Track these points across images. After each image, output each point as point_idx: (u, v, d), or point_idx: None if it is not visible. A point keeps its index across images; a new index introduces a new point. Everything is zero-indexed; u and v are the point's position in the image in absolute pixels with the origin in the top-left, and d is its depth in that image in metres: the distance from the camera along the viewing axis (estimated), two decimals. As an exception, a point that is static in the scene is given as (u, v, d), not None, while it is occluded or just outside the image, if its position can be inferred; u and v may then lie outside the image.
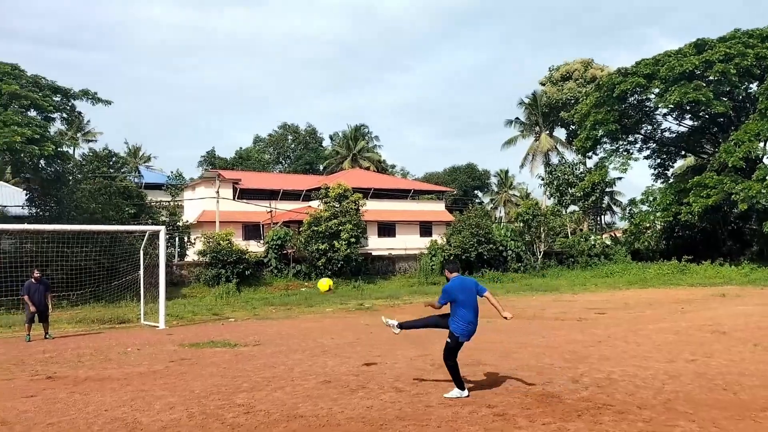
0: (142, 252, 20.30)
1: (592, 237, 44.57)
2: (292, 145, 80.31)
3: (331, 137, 78.78)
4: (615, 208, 60.09)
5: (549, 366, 9.89)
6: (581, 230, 52.24)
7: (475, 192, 79.47)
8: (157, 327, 17.74)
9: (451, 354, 7.84)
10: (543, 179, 57.81)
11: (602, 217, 59.93)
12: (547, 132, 64.75)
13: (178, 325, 18.68)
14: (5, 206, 30.72)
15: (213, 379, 9.43)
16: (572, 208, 57.02)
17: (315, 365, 10.42)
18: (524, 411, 7.07)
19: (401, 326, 8.46)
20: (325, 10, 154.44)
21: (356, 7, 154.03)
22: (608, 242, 45.63)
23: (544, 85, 63.30)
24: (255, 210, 42.19)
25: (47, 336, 15.77)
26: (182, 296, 27.96)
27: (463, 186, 74.12)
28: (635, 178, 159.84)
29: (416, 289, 31.25)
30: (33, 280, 15.88)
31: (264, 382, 9.07)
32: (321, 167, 74.08)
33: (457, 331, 7.80)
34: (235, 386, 8.85)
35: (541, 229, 39.87)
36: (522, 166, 66.71)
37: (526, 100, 64.56)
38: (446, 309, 7.97)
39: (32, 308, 15.44)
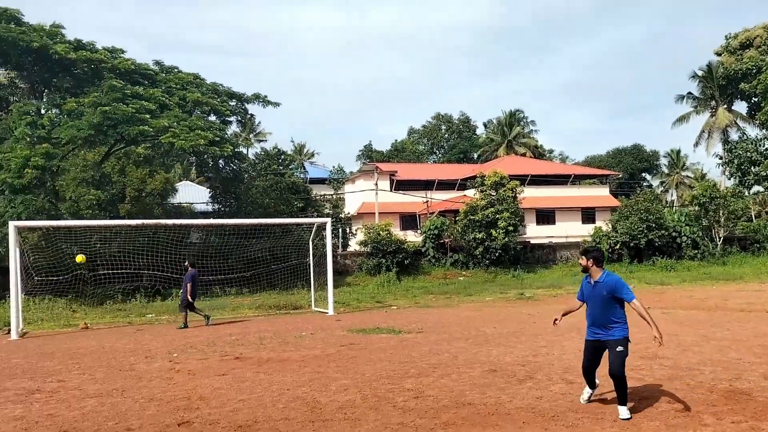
0: (310, 243, 21.58)
1: (782, 220, 39.88)
2: (446, 135, 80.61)
3: (485, 125, 78.01)
4: (810, 188, 53.24)
5: (736, 361, 9.08)
6: (767, 213, 47.03)
7: (643, 175, 74.51)
8: (327, 313, 18.78)
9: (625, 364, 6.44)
10: (721, 158, 52.68)
11: (794, 197, 53.35)
12: (725, 106, 58.83)
13: (345, 311, 19.63)
14: (192, 203, 34.17)
15: (381, 364, 9.81)
16: (756, 188, 51.35)
17: (479, 354, 10.45)
18: (709, 408, 6.57)
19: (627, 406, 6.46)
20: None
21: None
22: (802, 226, 40.57)
23: (720, 55, 57.50)
24: (411, 200, 43.01)
25: (183, 326, 16.22)
26: (347, 284, 29.29)
27: (628, 169, 69.82)
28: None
29: (580, 278, 29.94)
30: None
31: (430, 369, 9.27)
32: (475, 156, 73.63)
33: (628, 332, 6.53)
34: (403, 371, 9.14)
35: (721, 212, 36.42)
36: (696, 144, 61.28)
37: (700, 73, 59.10)
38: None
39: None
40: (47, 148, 23.41)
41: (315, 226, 22.05)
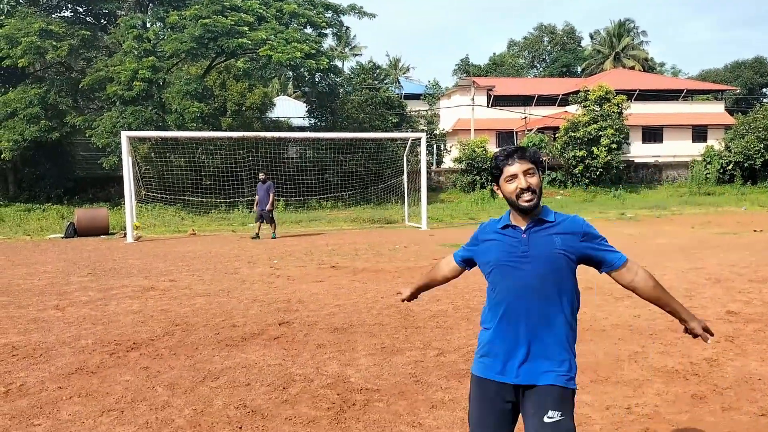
0: (404, 158, 21.58)
1: None
2: (548, 48, 76.57)
3: (591, 36, 73.24)
4: None
5: None
6: None
7: (764, 90, 68.18)
8: (420, 228, 18.96)
9: None
10: None
11: None
12: None
13: (438, 227, 19.72)
14: (289, 117, 34.83)
15: (474, 278, 9.75)
16: None
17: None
18: (828, 337, 6.14)
19: None
20: None
21: None
22: None
23: None
24: (509, 117, 41.72)
25: (273, 236, 16.68)
26: (440, 201, 29.30)
27: (748, 84, 64.01)
28: None
29: (687, 200, 28.49)
30: (260, 182, 16.79)
31: (524, 284, 9.19)
32: (579, 69, 69.76)
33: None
34: (495, 285, 9.12)
35: None
36: (832, 56, 55.02)
37: None
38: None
39: (255, 206, 16.67)
40: (153, 61, 24.32)
41: (409, 141, 21.95)
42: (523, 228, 2.69)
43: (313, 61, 25.08)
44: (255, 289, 9.25)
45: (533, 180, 2.67)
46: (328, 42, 37.99)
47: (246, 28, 24.52)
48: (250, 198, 24.99)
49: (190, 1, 26.32)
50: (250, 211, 24.70)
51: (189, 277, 10.39)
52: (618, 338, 6.21)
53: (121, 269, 11.48)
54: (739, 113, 44.30)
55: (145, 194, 21.85)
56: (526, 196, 2.65)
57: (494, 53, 74.69)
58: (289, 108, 40.49)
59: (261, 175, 16.97)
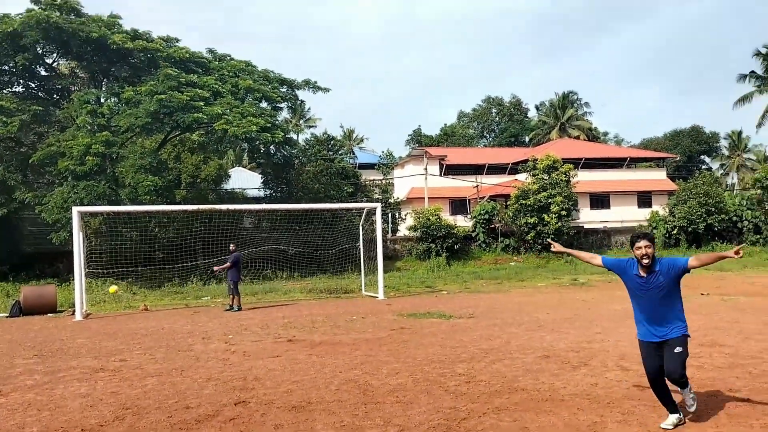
0: (360, 227, 21.73)
1: None
2: (497, 118, 79.47)
3: (537, 107, 76.48)
4: None
5: (804, 351, 8.71)
6: (839, 196, 44.72)
7: (702, 157, 71.87)
8: (377, 297, 18.91)
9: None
10: (787, 139, 50.40)
11: None
12: (792, 84, 56.05)
13: (395, 296, 19.71)
14: (244, 189, 34.85)
15: (433, 348, 9.82)
16: (826, 171, 48.96)
17: (532, 339, 10.34)
18: (775, 399, 6.33)
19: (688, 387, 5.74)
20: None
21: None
22: None
23: (787, 30, 54.77)
24: (461, 185, 42.68)
25: (229, 308, 16.65)
26: (396, 269, 29.39)
27: (687, 151, 67.42)
28: None
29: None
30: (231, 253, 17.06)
31: (482, 354, 9.23)
32: (527, 139, 72.38)
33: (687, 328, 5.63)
34: (454, 356, 9.13)
35: (786, 196, 34.89)
36: (759, 125, 58.44)
37: (764, 51, 56.38)
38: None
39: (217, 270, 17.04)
40: (107, 136, 24.21)
41: (365, 211, 22.17)
42: (645, 276, 5.50)
43: (269, 135, 25.40)
44: (209, 366, 9.01)
45: (650, 251, 5.44)
46: (283, 115, 38.63)
47: (202, 103, 24.81)
48: (205, 270, 24.64)
49: (145, 77, 26.55)
50: (204, 284, 24.28)
51: (140, 356, 10.06)
52: (577, 408, 6.26)
53: (68, 349, 11.04)
54: (681, 179, 46.42)
55: (95, 269, 21.28)
56: (645, 260, 5.45)
57: (445, 124, 76.93)
58: (245, 179, 40.57)
59: (231, 247, 17.27)
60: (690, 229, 33.21)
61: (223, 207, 21.48)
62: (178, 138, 28.32)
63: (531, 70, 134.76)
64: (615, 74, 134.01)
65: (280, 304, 17.90)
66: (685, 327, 5.54)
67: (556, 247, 6.53)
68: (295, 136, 40.55)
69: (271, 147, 28.94)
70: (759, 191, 35.69)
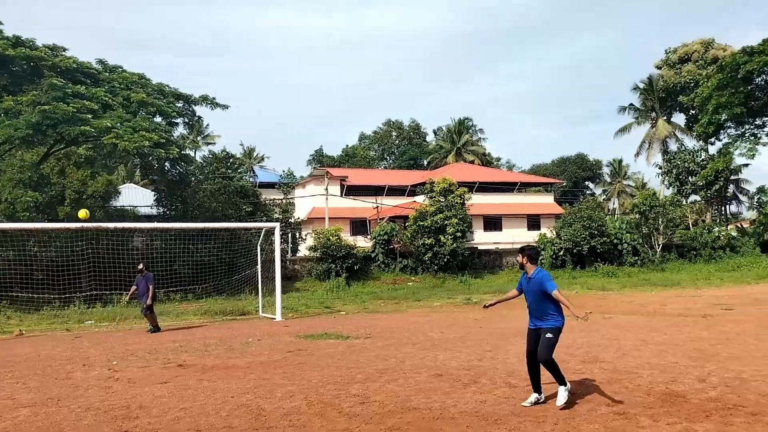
0: (258, 248, 21.32)
1: (717, 228, 41.67)
2: (396, 141, 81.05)
3: (434, 132, 78.81)
4: (741, 197, 55.72)
5: (672, 364, 9.40)
6: (704, 221, 49.02)
7: (586, 183, 76.61)
8: (274, 319, 18.56)
9: (553, 350, 7.03)
10: (661, 168, 54.75)
11: (727, 206, 55.80)
12: (665, 118, 61.15)
13: (293, 317, 19.45)
14: (136, 206, 33.29)
15: (329, 370, 9.75)
16: (693, 197, 53.53)
17: (426, 359, 10.51)
18: (647, 410, 6.78)
19: (563, 381, 7.12)
20: (432, 4, 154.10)
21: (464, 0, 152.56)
22: (734, 234, 42.50)
23: (660, 68, 59.82)
24: (362, 206, 43.03)
25: (151, 330, 16.14)
26: (295, 290, 29.04)
27: (572, 177, 71.67)
28: (764, 164, 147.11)
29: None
30: (139, 273, 16.33)
31: (377, 374, 9.27)
32: (425, 162, 74.25)
33: (562, 324, 7.07)
34: (349, 377, 9.11)
35: (660, 220, 37.81)
36: (637, 154, 63.41)
37: (641, 85, 61.26)
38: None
39: (126, 298, 16.14)
40: (-19, 148, 22.45)
41: (263, 230, 21.80)
42: (529, 278, 7.15)
43: (163, 150, 24.50)
44: (89, 395, 8.45)
45: (519, 260, 7.32)
46: (179, 131, 37.45)
47: (90, 116, 23.56)
48: (89, 293, 23.15)
49: (27, 86, 24.91)
50: (88, 307, 22.80)
51: (12, 385, 9.28)
52: (466, 426, 6.40)
53: (-74, 381, 10.00)
54: (567, 204, 49.20)
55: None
56: (519, 267, 7.38)
57: (347, 145, 77.56)
58: (136, 196, 38.75)
59: (140, 266, 16.34)
60: (575, 250, 35.13)
61: (111, 225, 20.33)
62: (62, 152, 26.69)
63: (430, 95, 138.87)
64: (508, 102, 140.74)
65: (171, 327, 17.14)
66: (557, 320, 7.02)
67: (490, 303, 7.99)
68: (192, 153, 39.34)
69: (166, 163, 27.91)
70: (637, 216, 38.43)
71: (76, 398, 8.27)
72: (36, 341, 15.23)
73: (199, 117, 33.57)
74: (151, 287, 15.94)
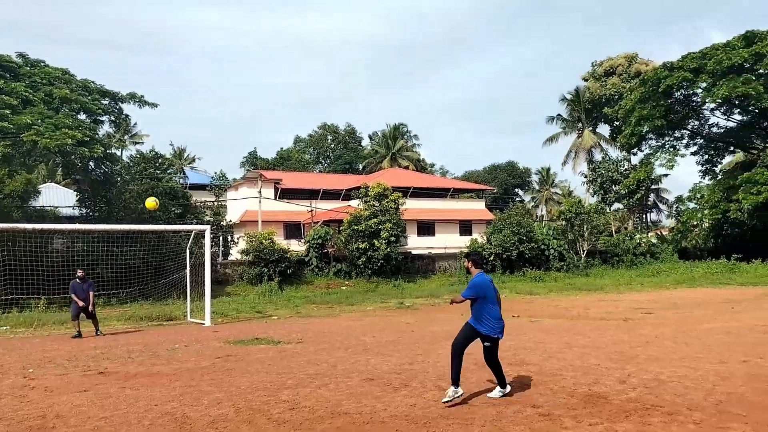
0: (188, 251, 20.75)
1: (638, 235, 43.65)
2: (332, 145, 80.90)
3: (370, 137, 79.11)
4: (661, 206, 58.69)
5: (595, 366, 9.74)
6: (626, 228, 51.22)
7: (516, 190, 78.72)
8: (203, 324, 18.10)
9: (494, 355, 7.66)
10: (586, 177, 56.87)
11: (648, 215, 58.61)
12: (590, 128, 63.63)
13: (223, 322, 19.02)
14: (57, 207, 31.80)
15: (258, 376, 9.58)
16: (616, 205, 55.96)
17: (358, 363, 10.49)
18: (570, 411, 6.99)
19: (456, 383, 7.48)
20: (370, 11, 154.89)
21: (401, 8, 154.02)
22: (654, 241, 44.67)
23: (586, 80, 62.23)
24: (296, 209, 42.67)
25: (98, 333, 16.17)
26: (226, 294, 28.45)
27: (503, 184, 73.49)
28: (682, 175, 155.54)
29: (456, 288, 31.09)
30: (78, 279, 16.04)
31: (308, 379, 9.18)
32: (360, 167, 74.42)
33: (491, 332, 7.50)
34: (280, 383, 8.98)
35: (585, 227, 39.26)
36: (564, 163, 65.75)
37: (569, 97, 63.58)
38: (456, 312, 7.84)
39: (80, 303, 15.74)
40: None
41: (193, 233, 21.24)
42: None
43: (86, 149, 23.52)
44: (2, 405, 7.98)
45: (467, 265, 7.87)
46: (105, 129, 36.06)
47: (8, 111, 22.38)
48: (4, 297, 21.88)
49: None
50: (3, 312, 21.58)
51: None
52: (396, 429, 6.42)
53: None
54: (497, 210, 50.36)
55: None
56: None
57: (281, 148, 76.77)
58: (58, 196, 37.09)
59: (79, 273, 16.10)
60: (504, 255, 35.97)
61: (29, 226, 19.32)
62: (-23, 148, 25.19)
63: (366, 99, 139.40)
64: (443, 110, 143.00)
65: (92, 334, 16.42)
66: (493, 332, 7.52)
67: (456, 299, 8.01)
68: (118, 152, 37.91)
69: (90, 162, 26.81)
70: (563, 222, 39.74)
71: (-15, 409, 7.79)
72: (-57, 349, 14.26)
73: (127, 115, 32.46)
74: (92, 294, 16.03)
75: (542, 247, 37.23)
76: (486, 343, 7.56)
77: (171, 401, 7.98)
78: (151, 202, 14.73)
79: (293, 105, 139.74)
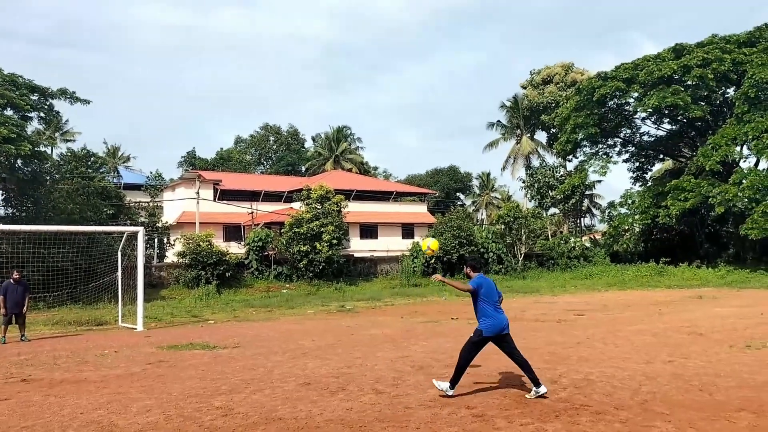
0: (120, 253, 20.06)
1: (572, 239, 44.97)
2: (274, 147, 79.98)
3: (313, 139, 78.68)
4: (594, 211, 60.73)
5: (528, 367, 9.92)
6: (561, 233, 52.66)
7: (457, 194, 79.74)
8: (135, 329, 17.53)
9: (471, 350, 7.80)
10: (524, 182, 58.19)
11: (582, 219, 60.52)
12: (528, 135, 65.16)
13: (156, 327, 18.48)
14: (-20, 206, 30.20)
15: (191, 382, 9.34)
16: (552, 210, 57.52)
17: (295, 367, 10.37)
18: (503, 412, 7.09)
19: (453, 384, 7.89)
20: (315, 12, 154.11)
21: (346, 9, 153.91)
22: (588, 244, 46.09)
23: (525, 88, 63.72)
24: (236, 211, 41.93)
25: (23, 338, 15.47)
26: (161, 298, 27.68)
27: (445, 188, 74.31)
28: (614, 181, 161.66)
29: (398, 291, 31.26)
30: (12, 280, 15.56)
31: (243, 385, 9.00)
32: (303, 169, 73.85)
33: (484, 327, 7.72)
34: (213, 389, 8.77)
35: (522, 231, 40.13)
36: (503, 168, 67.09)
37: (508, 104, 64.94)
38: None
39: (3, 311, 15.16)
40: None
41: (126, 235, 20.56)
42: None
43: (13, 146, 22.45)
44: None
45: (466, 271, 8.18)
46: (34, 125, 34.56)
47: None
48: None
49: None
50: None
51: None
52: (330, 434, 6.36)
53: None
54: (439, 213, 50.89)
55: None
56: None
57: (221, 148, 75.28)
58: (-19, 195, 35.21)
59: (15, 275, 15.60)
60: (445, 258, 36.36)
61: (-52, 226, 18.30)
62: None
63: (309, 101, 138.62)
64: (386, 113, 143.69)
65: (15, 340, 15.66)
66: (480, 324, 7.79)
67: (438, 277, 8.19)
68: (48, 150, 36.33)
69: (17, 161, 25.59)
70: (502, 226, 40.52)
71: None
72: None
73: (57, 112, 31.16)
74: (28, 296, 15.86)
75: (482, 250, 37.86)
76: (471, 335, 7.83)
77: (98, 409, 7.68)
78: (435, 243, 11.70)
79: (234, 105, 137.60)
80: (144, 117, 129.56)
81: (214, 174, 51.53)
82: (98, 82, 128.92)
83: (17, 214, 27.60)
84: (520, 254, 39.98)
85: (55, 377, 10.04)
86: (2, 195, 28.78)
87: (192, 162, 68.03)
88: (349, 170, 65.89)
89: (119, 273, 19.93)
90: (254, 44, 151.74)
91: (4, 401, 8.26)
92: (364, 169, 71.04)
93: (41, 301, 23.05)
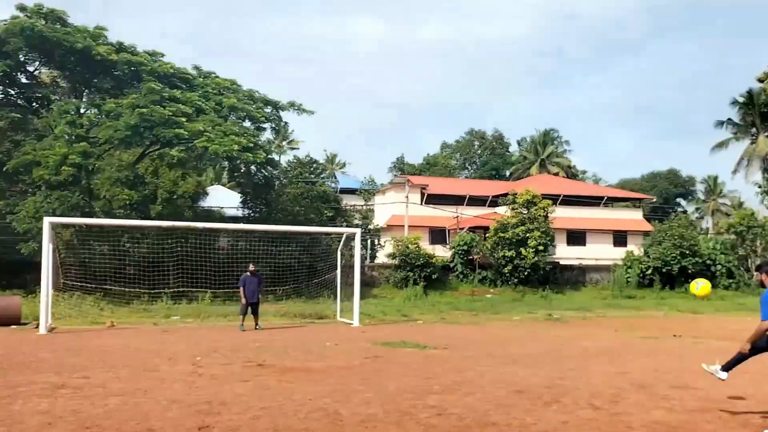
0: (339, 253, 21.54)
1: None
2: (479, 151, 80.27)
3: (518, 142, 77.50)
4: None
5: (775, 397, 8.70)
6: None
7: (678, 200, 73.12)
8: (352, 324, 18.68)
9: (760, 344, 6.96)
10: (761, 186, 51.48)
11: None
12: (766, 134, 57.50)
13: (370, 323, 19.51)
14: (222, 207, 34.51)
15: (406, 379, 9.66)
16: (797, 219, 50.03)
17: (505, 374, 10.23)
18: None
19: (726, 368, 7.37)
20: (523, 13, 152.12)
21: (556, 9, 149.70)
22: None
23: (762, 81, 56.29)
24: (441, 215, 42.77)
25: (257, 327, 17.26)
26: (373, 296, 29.18)
27: (663, 193, 68.55)
28: None
29: (609, 302, 29.48)
30: (248, 273, 17.35)
31: (455, 386, 9.09)
32: (507, 173, 73.12)
33: None
34: (427, 387, 8.98)
35: (758, 242, 35.56)
36: (735, 171, 59.79)
37: (741, 99, 57.89)
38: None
39: (243, 300, 16.99)
40: (84, 147, 23.90)
41: (344, 236, 22.04)
42: None
43: (250, 154, 25.27)
44: (175, 389, 8.73)
45: (762, 278, 6.96)
46: (266, 135, 38.59)
47: (184, 119, 24.63)
48: (176, 289, 24.08)
49: (127, 90, 26.36)
50: (174, 303, 23.74)
51: (104, 374, 9.74)
52: (548, 446, 6.14)
53: (30, 363, 10.67)
54: (656, 221, 47.07)
55: (63, 282, 20.77)
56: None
57: (428, 153, 77.49)
58: (223, 197, 40.18)
59: (251, 267, 17.54)
60: (664, 270, 33.53)
61: (200, 225, 21.14)
62: (157, 153, 28.05)
63: (515, 104, 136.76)
64: (596, 114, 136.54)
65: (250, 329, 17.56)
66: None
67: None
68: (277, 157, 40.39)
69: (253, 167, 28.77)
70: (733, 236, 36.30)
71: (162, 390, 8.56)
72: (126, 333, 15.99)
73: (286, 122, 34.48)
74: (261, 288, 17.69)
75: (707, 262, 34.23)
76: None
77: (324, 397, 8.27)
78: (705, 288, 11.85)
79: (440, 111, 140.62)
80: (356, 126, 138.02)
81: (422, 179, 53.13)
82: (316, 93, 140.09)
83: (252, 214, 31.04)
84: (755, 268, 35.44)
85: (286, 364, 11.04)
86: (240, 197, 32.59)
87: (401, 167, 70.92)
88: (556, 174, 63.75)
89: (338, 271, 21.42)
90: (457, 49, 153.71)
91: (245, 383, 9.26)
92: (571, 173, 68.29)
93: (270, 294, 25.60)
